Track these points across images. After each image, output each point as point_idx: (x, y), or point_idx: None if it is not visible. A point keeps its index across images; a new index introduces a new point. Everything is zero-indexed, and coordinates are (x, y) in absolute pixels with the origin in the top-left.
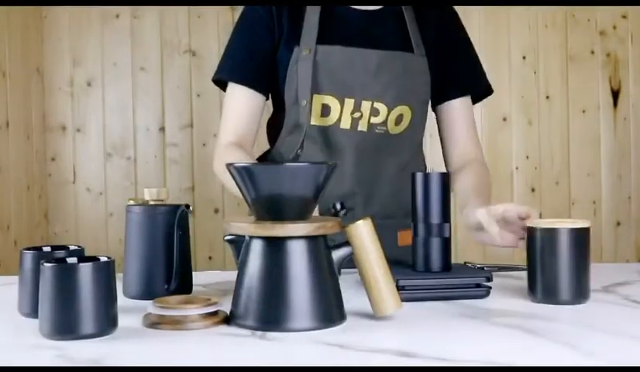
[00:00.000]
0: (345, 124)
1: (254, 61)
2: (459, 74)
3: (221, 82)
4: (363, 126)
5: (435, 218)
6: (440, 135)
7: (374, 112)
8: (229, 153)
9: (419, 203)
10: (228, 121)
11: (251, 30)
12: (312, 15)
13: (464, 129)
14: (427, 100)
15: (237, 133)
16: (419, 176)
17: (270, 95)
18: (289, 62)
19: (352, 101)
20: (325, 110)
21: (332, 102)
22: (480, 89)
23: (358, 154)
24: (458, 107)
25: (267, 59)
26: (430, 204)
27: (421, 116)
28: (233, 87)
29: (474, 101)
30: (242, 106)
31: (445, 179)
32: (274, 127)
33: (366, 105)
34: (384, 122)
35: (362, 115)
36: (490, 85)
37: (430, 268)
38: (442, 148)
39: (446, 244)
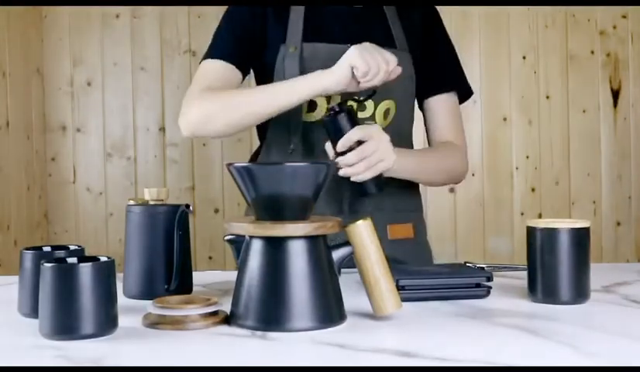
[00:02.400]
0: None
1: (232, 39)
2: (442, 72)
3: None
4: None
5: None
6: (426, 131)
7: (361, 107)
8: (209, 92)
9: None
10: (202, 80)
11: (233, 20)
12: (297, 14)
13: (447, 119)
14: (412, 93)
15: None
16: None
17: (246, 76)
18: (275, 60)
19: (339, 97)
20: (312, 106)
21: (319, 99)
22: (461, 88)
23: None
24: (442, 100)
25: (247, 39)
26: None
27: (406, 109)
28: (207, 62)
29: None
30: (217, 73)
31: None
32: (263, 124)
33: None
34: (372, 117)
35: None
36: (470, 87)
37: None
38: (427, 142)
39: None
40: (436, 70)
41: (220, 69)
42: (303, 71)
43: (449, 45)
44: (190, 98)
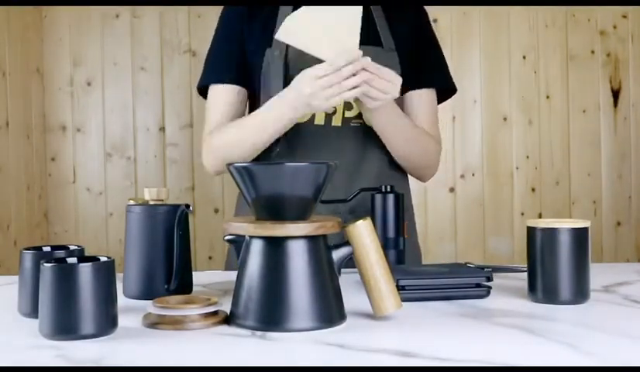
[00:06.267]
0: (319, 120)
1: (231, 60)
2: (423, 69)
3: (204, 90)
4: (337, 121)
5: (391, 232)
6: None
7: (348, 106)
8: (220, 130)
9: (378, 219)
10: (212, 116)
11: (225, 34)
12: (284, 18)
13: (425, 114)
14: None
15: (223, 124)
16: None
17: (249, 88)
18: (262, 65)
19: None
20: None
21: None
22: (443, 85)
23: (333, 149)
24: (422, 94)
25: (243, 56)
26: (387, 221)
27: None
28: (213, 88)
29: (439, 100)
30: (224, 100)
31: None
32: None
33: None
34: (359, 115)
35: (335, 111)
36: (454, 85)
37: None
38: None
39: (400, 255)
40: (420, 66)
41: (224, 95)
42: (288, 74)
43: (435, 43)
44: (203, 141)
